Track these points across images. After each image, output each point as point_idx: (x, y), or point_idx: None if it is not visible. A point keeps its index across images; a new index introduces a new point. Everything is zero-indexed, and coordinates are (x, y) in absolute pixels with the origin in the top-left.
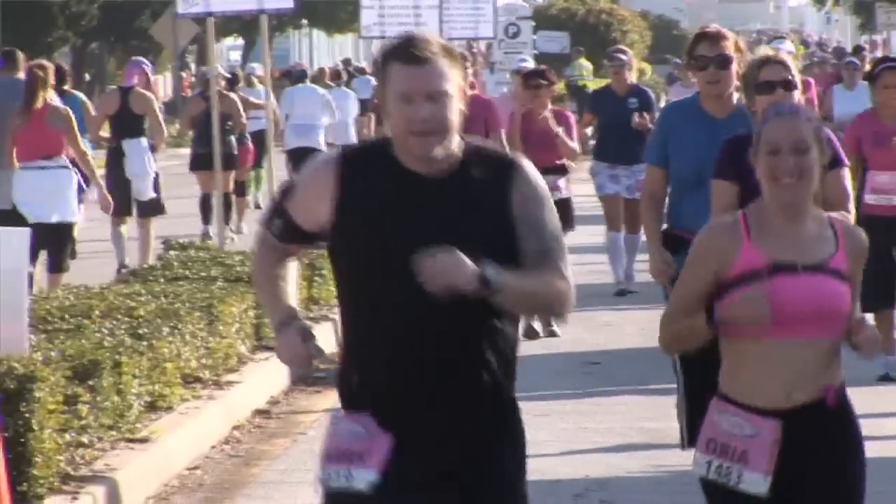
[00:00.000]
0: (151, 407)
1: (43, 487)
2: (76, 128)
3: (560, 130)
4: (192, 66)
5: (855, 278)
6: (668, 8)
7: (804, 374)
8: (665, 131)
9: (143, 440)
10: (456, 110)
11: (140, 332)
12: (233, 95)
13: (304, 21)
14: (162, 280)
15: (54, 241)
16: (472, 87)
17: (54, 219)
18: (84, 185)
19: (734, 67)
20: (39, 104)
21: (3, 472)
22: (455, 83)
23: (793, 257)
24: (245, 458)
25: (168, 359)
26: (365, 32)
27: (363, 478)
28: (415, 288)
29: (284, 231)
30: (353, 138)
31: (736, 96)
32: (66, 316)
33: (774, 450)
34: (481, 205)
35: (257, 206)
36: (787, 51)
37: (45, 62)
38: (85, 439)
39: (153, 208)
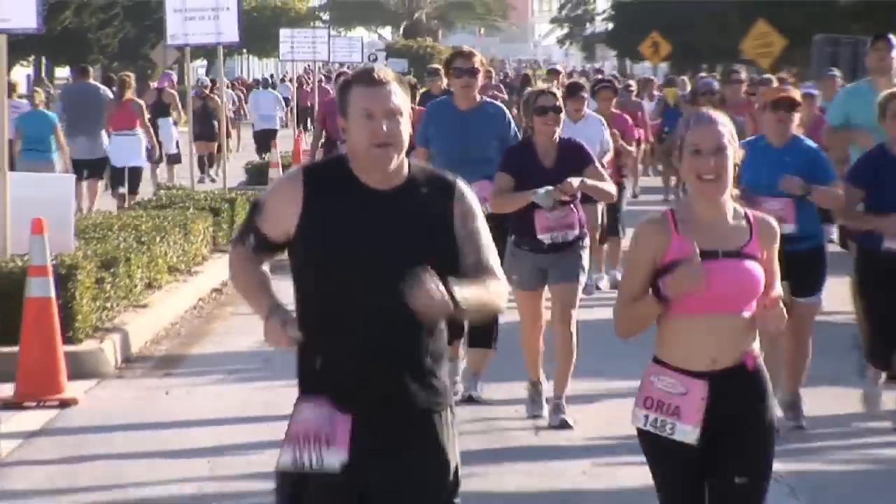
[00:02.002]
0: (149, 286)
1: (82, 334)
2: (146, 113)
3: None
4: (174, 76)
5: (770, 261)
6: (469, 44)
7: (727, 343)
8: (427, 122)
9: (144, 306)
10: (407, 129)
11: (142, 240)
12: (216, 97)
13: (245, 50)
14: (156, 208)
15: (131, 177)
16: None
17: (129, 164)
18: (149, 148)
19: (480, 76)
20: (126, 96)
21: (58, 324)
22: (406, 106)
23: (714, 245)
24: (206, 318)
25: (159, 256)
26: (283, 57)
27: (335, 458)
28: (372, 288)
29: (257, 245)
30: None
31: (479, 97)
32: (97, 229)
33: (702, 405)
34: (427, 217)
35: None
36: (558, 70)
37: (129, 73)
38: (108, 305)
39: (175, 159)
